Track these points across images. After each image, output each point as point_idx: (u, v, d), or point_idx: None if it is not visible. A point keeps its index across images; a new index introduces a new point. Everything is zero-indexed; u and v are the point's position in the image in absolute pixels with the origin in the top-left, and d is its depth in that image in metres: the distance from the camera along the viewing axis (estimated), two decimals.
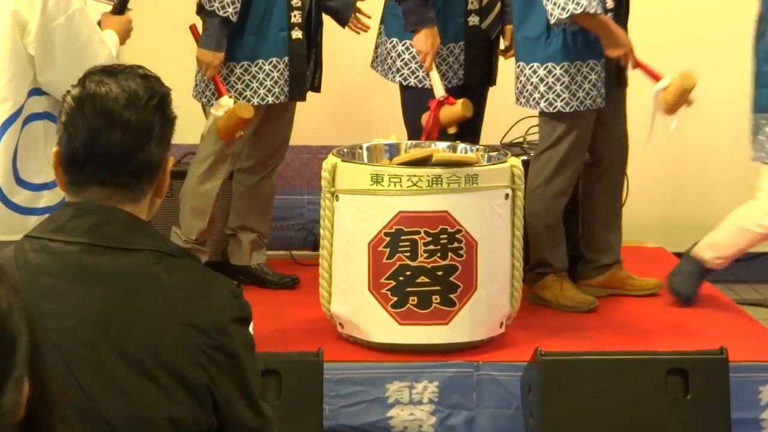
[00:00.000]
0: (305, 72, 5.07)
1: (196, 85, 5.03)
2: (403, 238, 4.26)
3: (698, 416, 4.01)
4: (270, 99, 4.91)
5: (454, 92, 4.88)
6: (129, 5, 4.10)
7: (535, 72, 4.82)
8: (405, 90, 5.14)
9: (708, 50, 6.31)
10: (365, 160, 4.56)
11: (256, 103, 4.92)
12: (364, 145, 4.66)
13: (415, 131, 4.93)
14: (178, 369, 2.03)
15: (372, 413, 4.18)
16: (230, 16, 4.81)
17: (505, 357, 4.37)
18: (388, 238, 4.20)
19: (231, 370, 2.09)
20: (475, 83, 5.11)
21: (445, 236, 4.26)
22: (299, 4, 4.98)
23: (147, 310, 2.04)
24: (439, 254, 4.25)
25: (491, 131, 5.62)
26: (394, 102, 5.47)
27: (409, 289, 4.26)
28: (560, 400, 4.00)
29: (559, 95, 4.71)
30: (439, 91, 4.90)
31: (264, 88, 4.97)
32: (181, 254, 2.16)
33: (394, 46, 5.04)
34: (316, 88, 5.13)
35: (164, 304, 2.04)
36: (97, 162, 2.12)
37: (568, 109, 4.77)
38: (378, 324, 4.26)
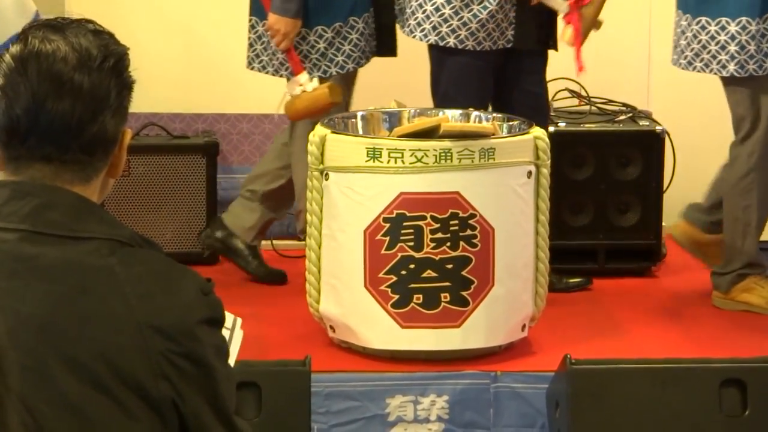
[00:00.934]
0: (393, 22, 5.24)
1: (257, 54, 5.13)
2: (405, 224, 4.31)
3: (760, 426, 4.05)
4: (363, 61, 5.09)
5: (498, 55, 4.96)
6: None
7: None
8: (439, 52, 5.16)
9: None
10: (360, 132, 4.61)
11: (351, 68, 5.09)
12: (359, 114, 4.72)
13: (445, 101, 4.99)
14: (137, 380, 2.04)
15: None
16: None
17: (527, 366, 4.42)
18: (387, 225, 4.26)
19: (200, 381, 2.11)
20: (527, 46, 5.14)
21: (456, 222, 4.31)
22: None
23: (99, 311, 2.06)
24: (448, 244, 4.30)
25: None
26: (398, 62, 5.51)
27: (413, 285, 4.31)
28: (594, 417, 4.05)
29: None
30: (562, 2, 5.04)
31: (358, 50, 5.11)
32: (141, 243, 2.19)
33: None
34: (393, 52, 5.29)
35: (120, 303, 2.06)
36: (42, 134, 2.14)
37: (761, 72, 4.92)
38: (376, 327, 4.31)
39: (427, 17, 5.08)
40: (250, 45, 5.22)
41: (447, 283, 4.34)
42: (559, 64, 5.78)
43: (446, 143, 4.34)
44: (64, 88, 2.12)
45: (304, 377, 3.92)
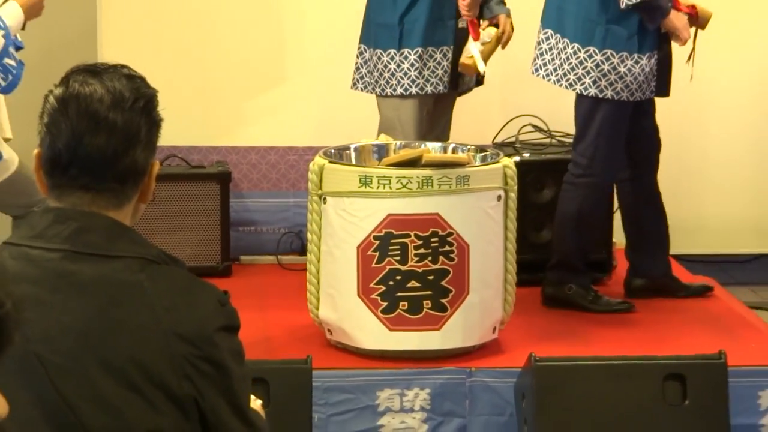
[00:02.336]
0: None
1: (362, 76, 5.14)
2: (392, 241, 4.24)
3: (696, 422, 4.02)
4: (441, 88, 5.06)
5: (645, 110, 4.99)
6: None
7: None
8: (593, 102, 4.99)
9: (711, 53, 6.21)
10: (353, 162, 4.55)
11: (429, 92, 5.07)
12: (352, 146, 4.64)
13: (592, 148, 4.96)
14: (163, 380, 2.03)
15: (362, 421, 4.18)
16: None
17: (498, 363, 4.37)
18: (377, 242, 4.19)
19: (218, 381, 2.09)
20: (659, 94, 5.07)
21: (436, 239, 4.25)
22: None
23: (130, 320, 2.04)
24: (429, 258, 4.24)
25: (482, 130, 5.64)
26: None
27: (399, 294, 4.25)
28: (555, 407, 4.00)
29: None
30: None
31: (436, 77, 5.09)
32: (167, 261, 2.15)
33: (590, 55, 4.93)
34: (480, 82, 5.28)
35: (148, 314, 2.04)
36: (81, 166, 2.11)
37: None
38: (367, 330, 4.25)
39: (588, 72, 5.00)
40: (357, 68, 5.19)
41: (428, 292, 4.27)
42: (524, 101, 5.78)
43: (428, 171, 4.28)
44: (100, 125, 2.09)
45: (305, 374, 3.87)
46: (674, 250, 5.57)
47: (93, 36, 5.64)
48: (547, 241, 5.33)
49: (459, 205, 4.31)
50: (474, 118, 5.66)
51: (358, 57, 5.24)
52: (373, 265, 4.20)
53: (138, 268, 2.06)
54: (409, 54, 5.09)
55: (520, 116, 5.72)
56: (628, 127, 5.07)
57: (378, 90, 5.16)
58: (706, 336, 4.65)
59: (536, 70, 5.13)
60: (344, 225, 4.29)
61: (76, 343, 2.02)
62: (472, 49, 5.16)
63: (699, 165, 6.53)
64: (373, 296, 4.21)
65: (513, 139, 5.69)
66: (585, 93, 4.98)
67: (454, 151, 4.65)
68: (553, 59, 5.07)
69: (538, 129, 5.86)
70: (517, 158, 5.18)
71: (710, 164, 6.56)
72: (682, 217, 6.28)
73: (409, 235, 4.24)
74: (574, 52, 5.00)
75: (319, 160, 4.36)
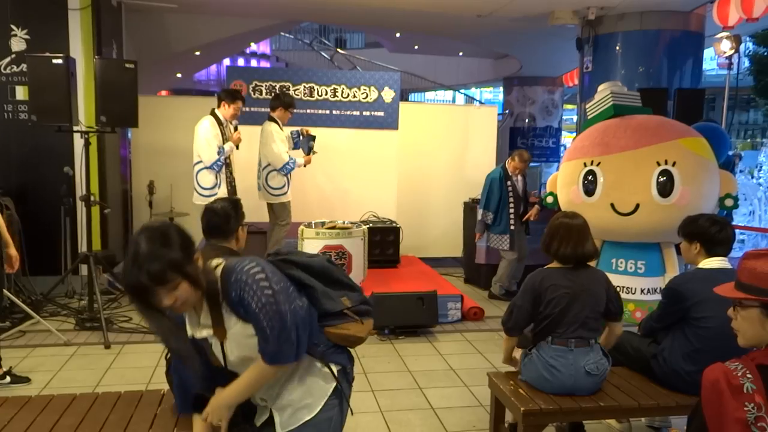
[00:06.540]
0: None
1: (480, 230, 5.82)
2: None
3: (427, 313, 5.33)
4: None
5: None
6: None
7: None
8: None
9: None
10: (312, 227, 5.83)
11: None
12: (313, 222, 5.96)
13: None
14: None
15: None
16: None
17: (372, 292, 5.38)
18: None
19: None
20: None
21: (341, 253, 5.66)
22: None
23: None
24: (339, 260, 5.61)
25: (354, 215, 7.07)
26: (331, 200, 6.82)
27: None
28: (383, 307, 5.23)
29: None
30: None
31: None
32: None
33: None
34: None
35: None
36: (211, 230, 2.26)
37: None
38: None
39: None
40: (477, 224, 6.13)
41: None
42: (372, 205, 7.12)
43: (337, 230, 5.73)
44: (220, 216, 2.40)
45: None
46: (421, 254, 7.43)
47: None
48: (378, 254, 6.63)
49: (349, 242, 5.66)
50: (350, 211, 6.97)
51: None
52: None
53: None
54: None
55: (369, 211, 7.21)
56: None
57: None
58: (430, 284, 6.05)
59: None
60: (308, 249, 5.36)
61: None
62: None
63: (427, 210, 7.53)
64: None
65: (366, 218, 7.15)
66: None
67: (346, 223, 5.90)
68: None
69: (374, 215, 7.28)
70: (369, 225, 6.59)
71: (432, 211, 7.54)
72: (418, 243, 7.63)
73: (331, 252, 5.60)
74: None
75: (301, 227, 5.71)
